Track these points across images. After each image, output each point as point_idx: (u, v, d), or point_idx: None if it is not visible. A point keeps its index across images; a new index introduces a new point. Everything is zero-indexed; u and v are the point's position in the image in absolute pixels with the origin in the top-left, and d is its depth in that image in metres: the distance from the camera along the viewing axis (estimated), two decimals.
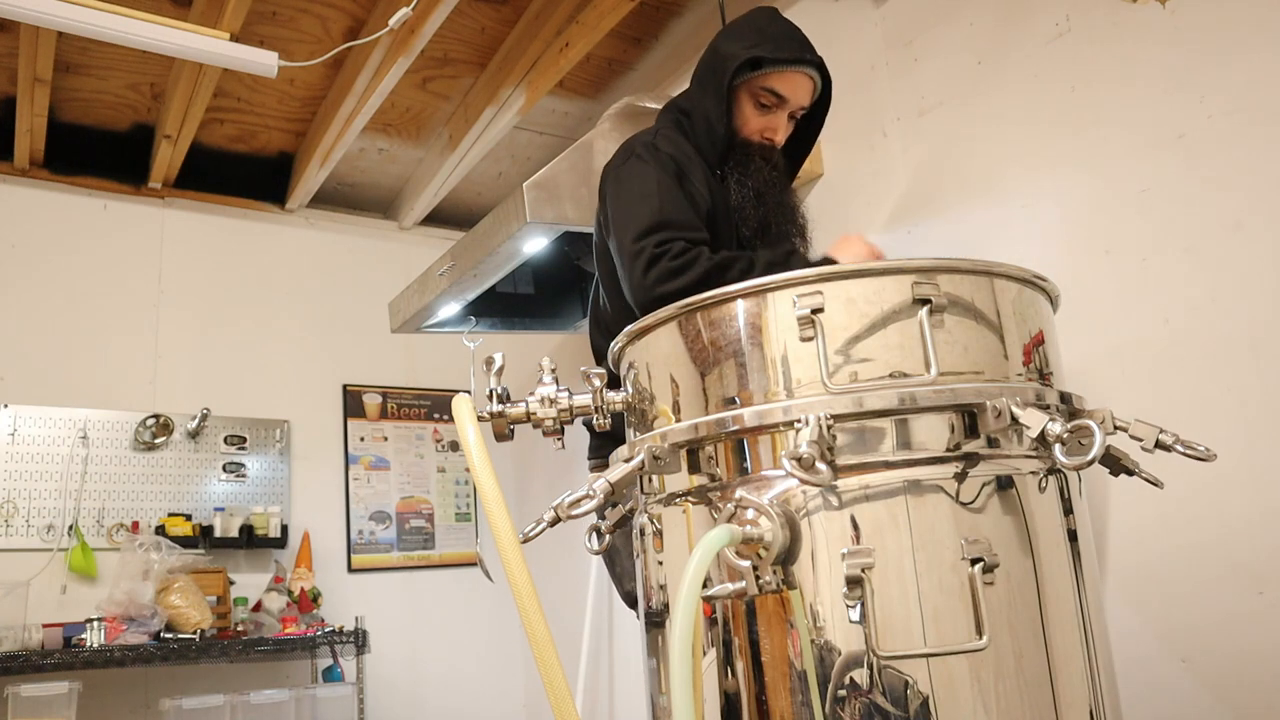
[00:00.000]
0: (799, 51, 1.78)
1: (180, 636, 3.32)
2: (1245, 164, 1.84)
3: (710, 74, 1.80)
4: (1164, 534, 1.89)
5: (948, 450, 1.02)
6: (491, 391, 1.24)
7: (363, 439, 4.30)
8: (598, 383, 1.22)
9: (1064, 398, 1.13)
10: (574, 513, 1.11)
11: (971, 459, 1.02)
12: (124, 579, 3.33)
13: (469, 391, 1.25)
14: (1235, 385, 1.82)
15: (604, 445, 1.86)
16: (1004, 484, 1.03)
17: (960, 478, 1.01)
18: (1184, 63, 1.95)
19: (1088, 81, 2.12)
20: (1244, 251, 1.83)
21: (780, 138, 1.84)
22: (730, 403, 1.08)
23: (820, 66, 1.82)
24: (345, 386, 4.32)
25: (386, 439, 4.36)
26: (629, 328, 1.22)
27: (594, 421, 1.24)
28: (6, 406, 3.58)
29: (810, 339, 1.04)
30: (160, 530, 3.63)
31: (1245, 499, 1.78)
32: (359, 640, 3.76)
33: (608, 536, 1.28)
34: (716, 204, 1.77)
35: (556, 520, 1.14)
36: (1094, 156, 2.07)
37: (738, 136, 1.81)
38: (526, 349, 3.83)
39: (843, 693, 0.97)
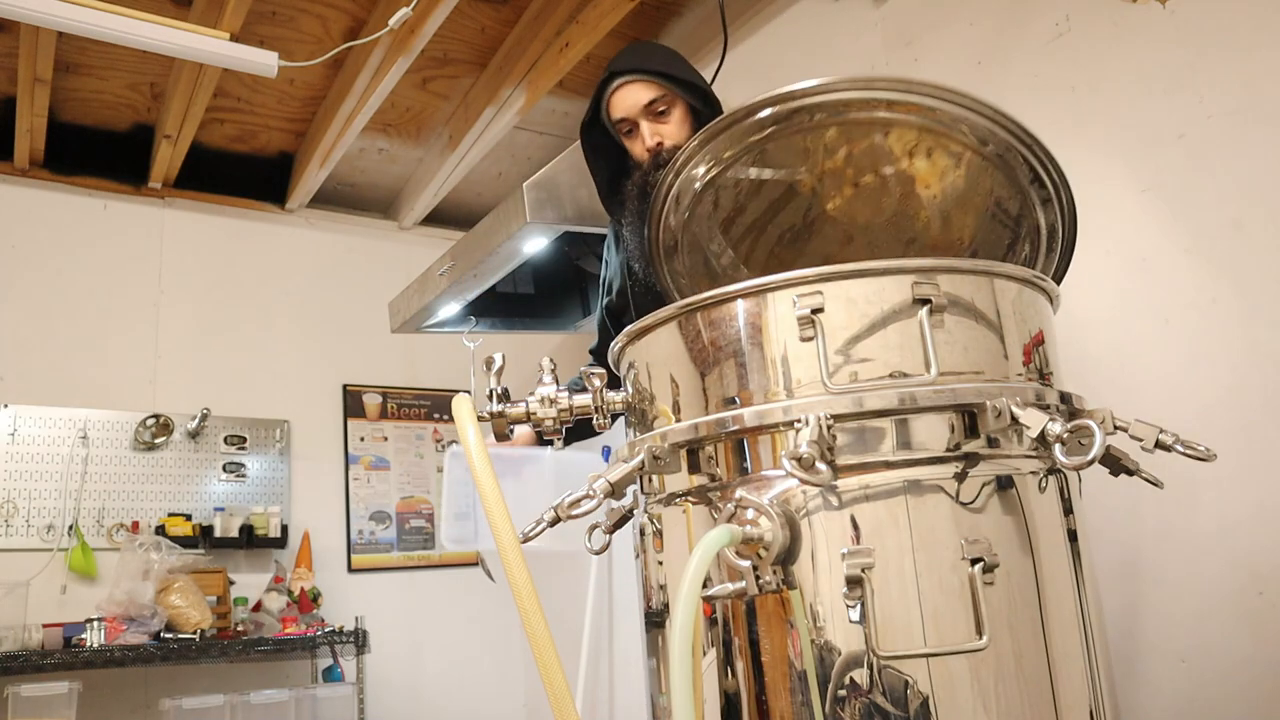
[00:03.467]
0: (604, 79, 1.86)
1: (180, 636, 3.32)
2: (1245, 164, 1.84)
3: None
4: (1164, 534, 1.89)
5: (948, 450, 1.02)
6: (491, 391, 1.24)
7: (363, 439, 4.30)
8: (598, 383, 1.22)
9: (1064, 398, 1.13)
10: (574, 513, 1.11)
11: (971, 459, 1.02)
12: (124, 579, 3.33)
13: (469, 391, 1.25)
14: (1235, 385, 1.82)
15: None
16: (1004, 484, 1.03)
17: (960, 478, 1.01)
18: (1184, 63, 1.95)
19: (1088, 81, 2.12)
20: (1244, 251, 1.83)
21: (643, 145, 1.84)
22: (730, 403, 1.08)
23: (624, 71, 1.84)
24: (345, 386, 4.32)
25: (386, 439, 4.36)
26: (629, 328, 1.22)
27: (594, 422, 1.24)
28: (6, 406, 3.58)
29: (810, 339, 1.04)
30: (160, 530, 3.63)
31: (1245, 499, 1.78)
32: (359, 640, 3.76)
33: (607, 536, 1.28)
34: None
35: (556, 520, 1.14)
36: (1094, 156, 2.07)
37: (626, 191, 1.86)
38: (526, 349, 3.83)
39: (843, 693, 0.97)
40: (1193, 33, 1.94)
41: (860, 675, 0.97)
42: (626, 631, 3.55)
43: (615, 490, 1.10)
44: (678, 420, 1.13)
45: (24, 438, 3.58)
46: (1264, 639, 1.74)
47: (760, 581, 0.99)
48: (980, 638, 0.96)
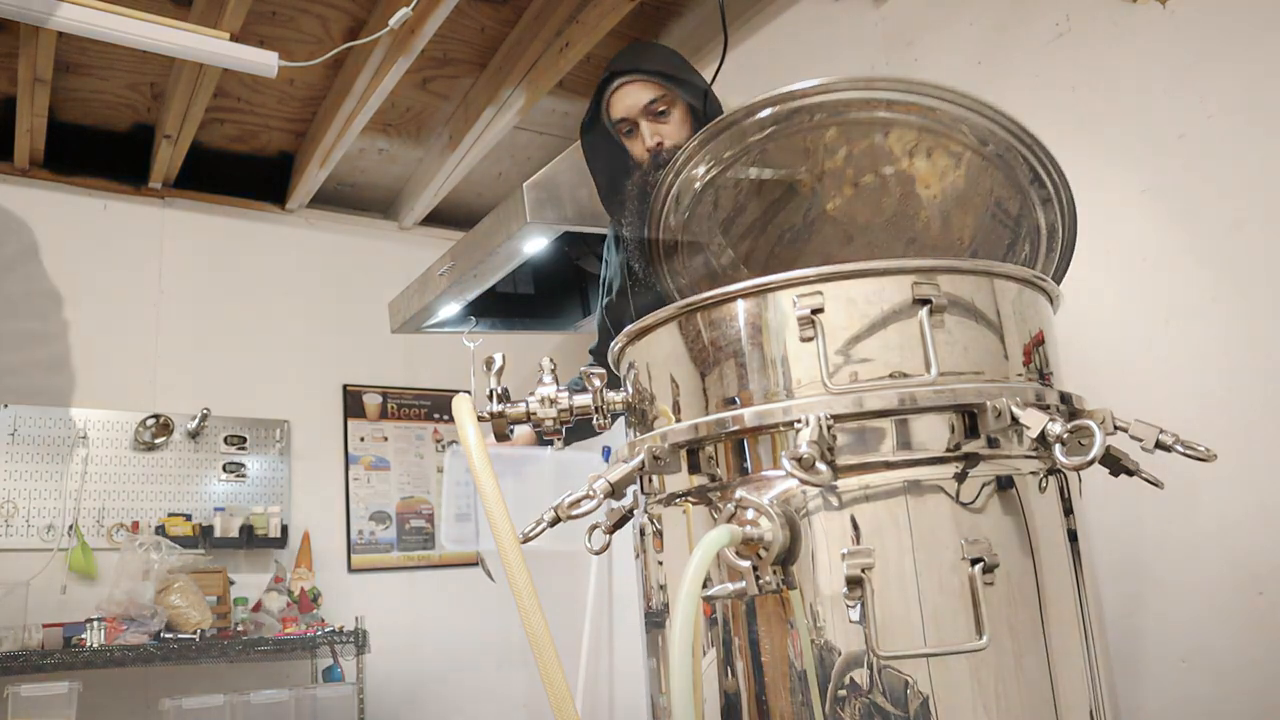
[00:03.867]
0: (604, 79, 1.87)
1: (180, 636, 3.32)
2: (1245, 164, 1.84)
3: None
4: (1163, 534, 1.89)
5: (948, 450, 1.02)
6: (491, 391, 1.24)
7: (363, 439, 4.30)
8: (598, 383, 1.22)
9: (1064, 398, 1.13)
10: (574, 513, 1.11)
11: (971, 459, 1.02)
12: (124, 579, 3.33)
13: (469, 391, 1.25)
14: (1235, 385, 1.82)
15: None
16: (1004, 484, 1.03)
17: (960, 478, 1.01)
18: (1184, 63, 1.95)
19: (1088, 81, 2.12)
20: (1244, 251, 1.83)
21: (643, 145, 1.85)
22: (730, 403, 1.08)
23: (624, 71, 1.85)
24: (345, 386, 4.32)
25: (386, 439, 4.36)
26: (629, 328, 1.22)
27: (594, 422, 1.24)
28: (6, 406, 3.58)
29: (810, 339, 1.04)
30: (160, 530, 3.63)
31: (1245, 499, 1.78)
32: (359, 640, 3.76)
33: (607, 536, 1.28)
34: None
35: (556, 520, 1.14)
36: (1094, 156, 2.07)
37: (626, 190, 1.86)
38: (526, 349, 3.82)
39: (843, 693, 0.97)
40: (1193, 33, 1.94)
41: (860, 675, 0.97)
42: (626, 631, 3.55)
43: (615, 490, 1.10)
44: (678, 420, 1.13)
45: (24, 438, 3.58)
46: (1264, 639, 1.74)
47: (760, 581, 0.99)
48: (980, 638, 0.96)
